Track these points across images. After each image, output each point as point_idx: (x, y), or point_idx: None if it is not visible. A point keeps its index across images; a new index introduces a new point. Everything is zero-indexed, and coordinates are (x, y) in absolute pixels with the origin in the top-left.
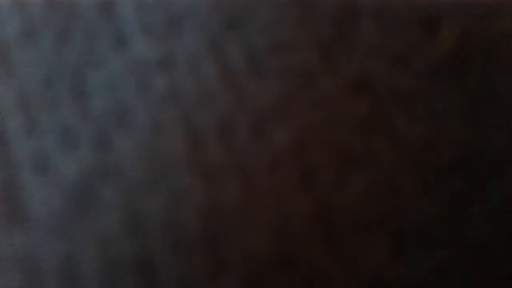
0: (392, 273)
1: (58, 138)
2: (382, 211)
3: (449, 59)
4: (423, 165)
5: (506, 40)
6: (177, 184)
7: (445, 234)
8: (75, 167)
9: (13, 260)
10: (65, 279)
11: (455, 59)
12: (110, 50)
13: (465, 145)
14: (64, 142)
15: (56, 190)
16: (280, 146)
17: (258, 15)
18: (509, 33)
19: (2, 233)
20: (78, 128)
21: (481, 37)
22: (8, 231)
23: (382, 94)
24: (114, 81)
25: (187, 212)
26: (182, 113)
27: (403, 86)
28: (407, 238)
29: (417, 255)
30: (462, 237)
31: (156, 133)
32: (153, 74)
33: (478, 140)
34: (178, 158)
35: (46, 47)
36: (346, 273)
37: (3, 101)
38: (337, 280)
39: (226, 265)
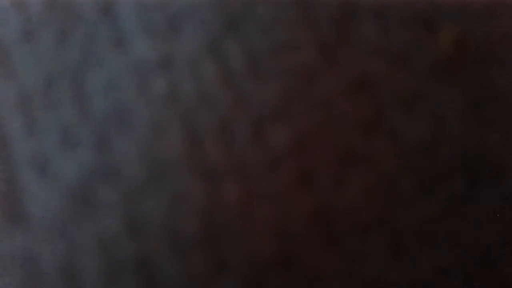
0: (392, 273)
1: (58, 138)
2: (382, 212)
3: (449, 59)
4: (423, 165)
5: (506, 40)
6: (177, 185)
7: (445, 234)
8: (75, 167)
9: (13, 260)
10: (65, 279)
11: (455, 59)
12: (110, 50)
13: (465, 145)
14: (64, 142)
15: (56, 190)
16: (280, 146)
17: (258, 15)
18: (509, 33)
19: (2, 233)
20: (78, 128)
21: (481, 37)
22: (8, 231)
23: (382, 94)
24: (114, 82)
25: (187, 212)
26: (182, 113)
27: (403, 86)
28: (407, 238)
29: (417, 255)
30: (462, 237)
31: (156, 133)
32: (153, 74)
33: (478, 140)
34: (178, 159)
35: (46, 47)
36: (346, 273)
37: (3, 101)
38: (337, 280)
39: (226, 265)
